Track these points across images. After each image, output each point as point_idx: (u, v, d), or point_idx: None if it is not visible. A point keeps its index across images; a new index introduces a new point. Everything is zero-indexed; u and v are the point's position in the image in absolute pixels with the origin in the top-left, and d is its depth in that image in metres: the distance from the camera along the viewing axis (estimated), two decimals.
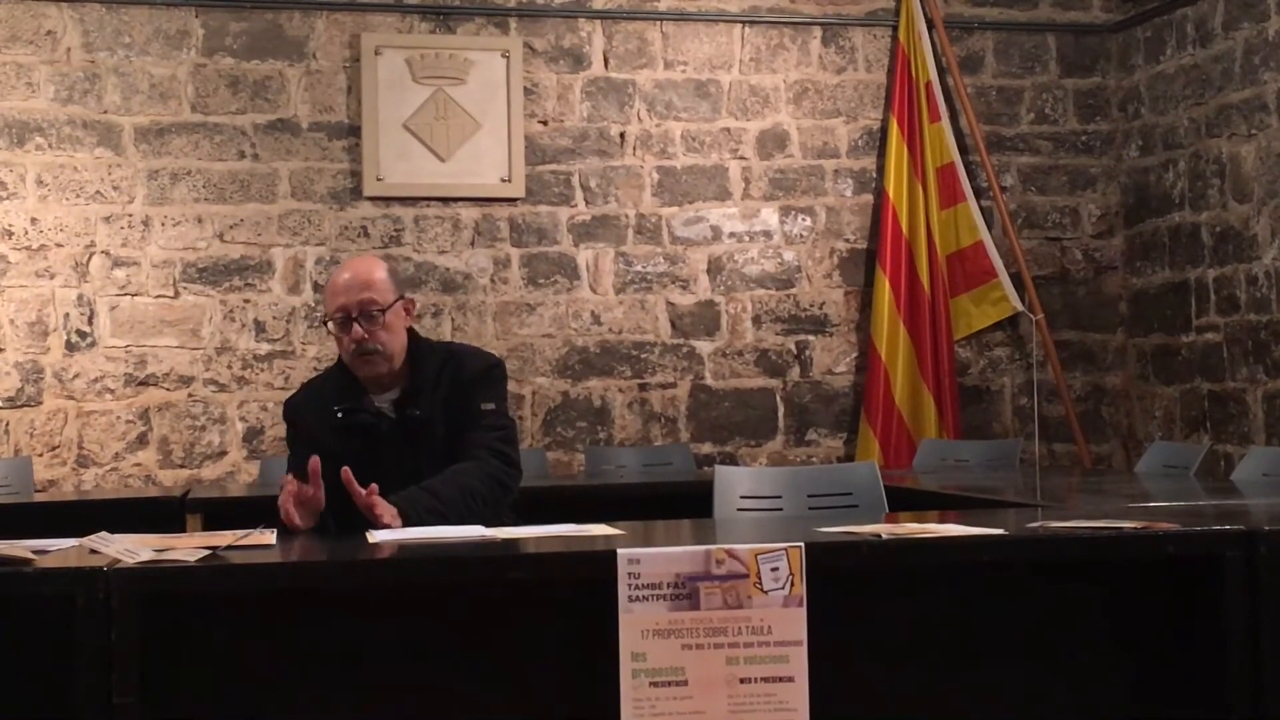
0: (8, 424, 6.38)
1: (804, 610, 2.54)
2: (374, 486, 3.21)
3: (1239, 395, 6.69)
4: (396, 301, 3.57)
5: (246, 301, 6.64)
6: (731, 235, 7.12)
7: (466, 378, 3.63)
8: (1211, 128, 6.84)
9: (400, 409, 3.58)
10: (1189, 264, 7.02)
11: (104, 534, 2.69)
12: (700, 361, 7.07)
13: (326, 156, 6.73)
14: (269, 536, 2.85)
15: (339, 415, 3.55)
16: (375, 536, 2.90)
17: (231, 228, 6.64)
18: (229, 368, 6.61)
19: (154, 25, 6.60)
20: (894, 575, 2.84)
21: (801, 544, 2.57)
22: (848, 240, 7.25)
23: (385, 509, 3.20)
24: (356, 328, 3.50)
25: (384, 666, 2.65)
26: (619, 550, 2.53)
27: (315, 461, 3.20)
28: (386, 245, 6.75)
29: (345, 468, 3.21)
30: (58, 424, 6.44)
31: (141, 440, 6.52)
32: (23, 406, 6.40)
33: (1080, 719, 2.89)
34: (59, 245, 6.47)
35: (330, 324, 3.58)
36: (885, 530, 2.85)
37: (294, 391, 3.91)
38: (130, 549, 2.53)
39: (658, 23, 7.10)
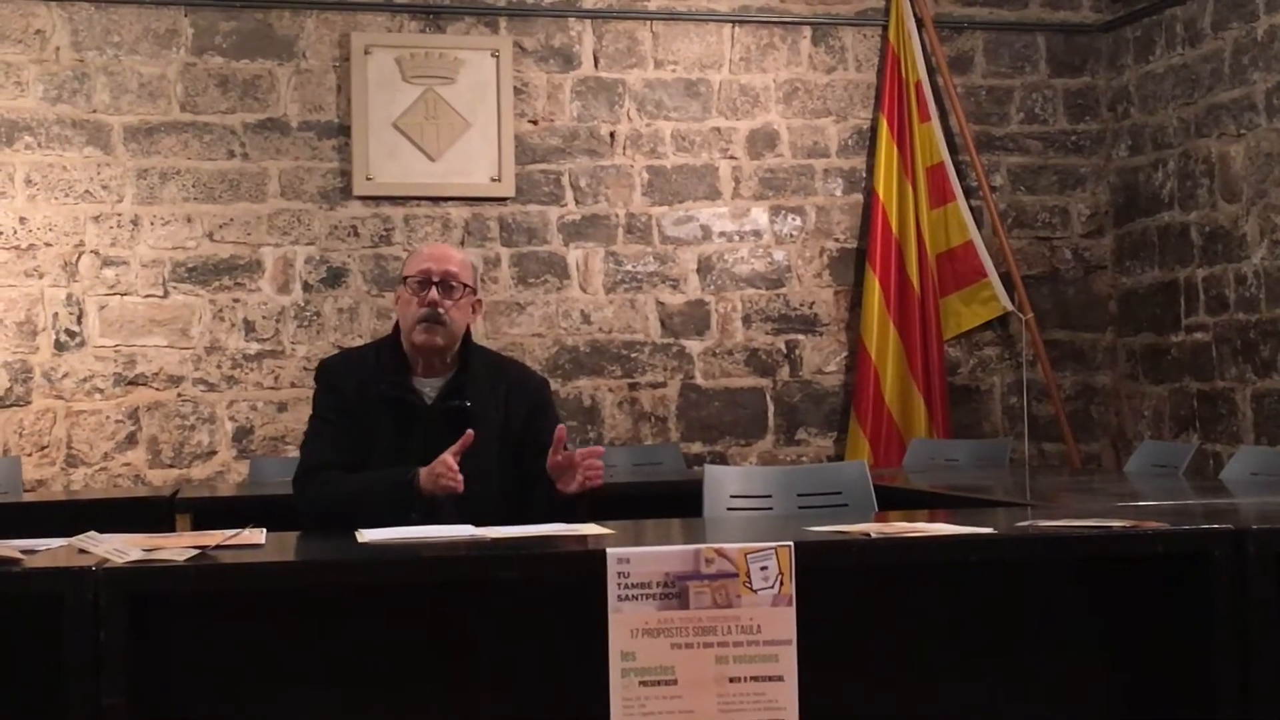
0: None
1: (793, 609, 2.54)
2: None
3: (1228, 394, 6.70)
4: (473, 290, 3.68)
5: (236, 301, 6.63)
6: (721, 235, 7.12)
7: (536, 396, 3.73)
8: (1201, 127, 6.85)
9: (445, 398, 3.60)
10: (1178, 264, 7.03)
11: (93, 534, 2.68)
12: (690, 361, 7.07)
13: (316, 156, 6.72)
14: (258, 536, 2.85)
15: (384, 387, 3.58)
16: (365, 536, 2.90)
17: (221, 227, 6.63)
18: (218, 367, 6.60)
19: (143, 24, 6.59)
20: (883, 574, 2.84)
21: (791, 543, 2.57)
22: (837, 240, 7.25)
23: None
24: (434, 291, 3.57)
25: (373, 666, 2.65)
26: (608, 550, 2.53)
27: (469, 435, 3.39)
28: (377, 245, 6.74)
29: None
30: (47, 424, 6.43)
31: (131, 440, 6.51)
32: (11, 406, 6.39)
33: (1068, 718, 2.89)
34: (48, 245, 6.45)
35: (406, 285, 3.63)
36: (875, 529, 2.85)
37: (331, 354, 3.92)
38: (119, 548, 2.53)
39: (648, 22, 7.10)
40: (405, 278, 3.66)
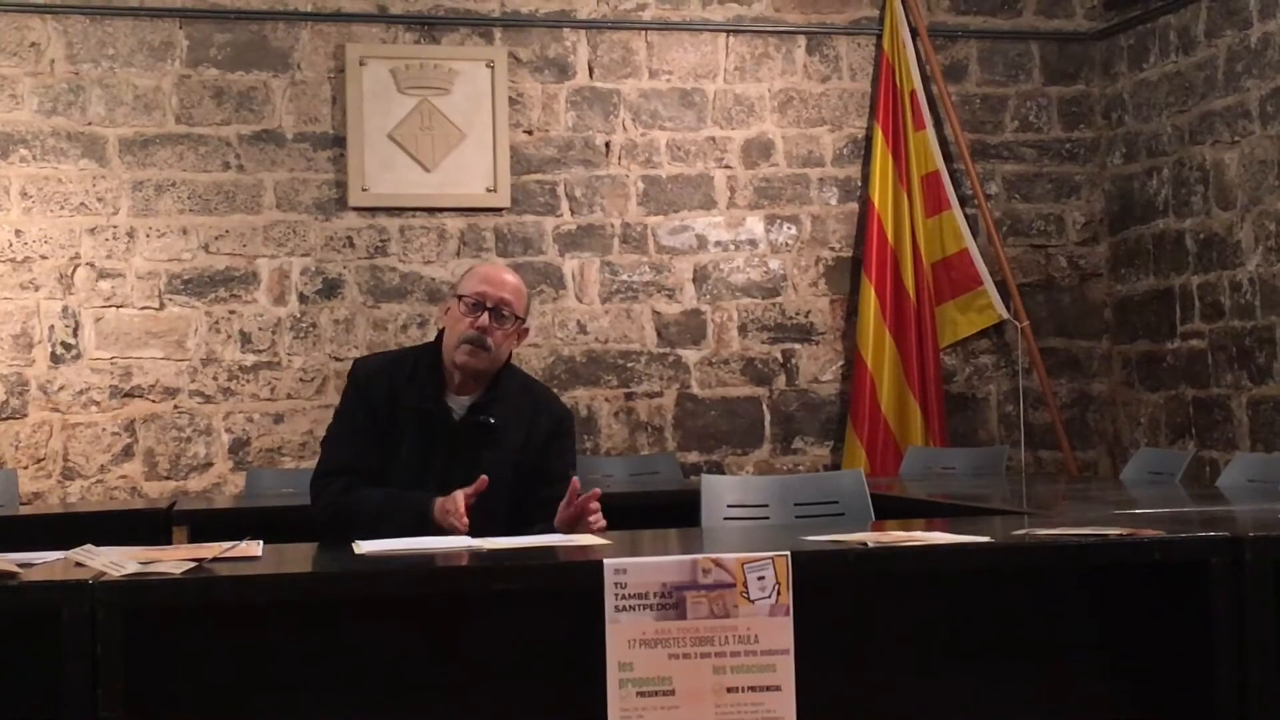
0: None
1: (791, 619, 2.54)
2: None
3: (1224, 401, 6.71)
4: (523, 323, 3.71)
5: (232, 313, 6.63)
6: (717, 244, 7.12)
7: (558, 425, 3.73)
8: (1195, 135, 6.86)
9: (472, 414, 3.62)
10: (1173, 271, 7.04)
11: (90, 547, 2.67)
12: (686, 370, 7.07)
13: (311, 167, 6.72)
14: (255, 548, 2.84)
15: (415, 399, 3.59)
16: (362, 548, 2.90)
17: (216, 239, 6.63)
18: (214, 379, 6.60)
19: (138, 37, 6.60)
20: (881, 583, 2.84)
21: (788, 553, 2.57)
22: (833, 249, 7.25)
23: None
24: (485, 316, 3.60)
25: (370, 678, 2.64)
26: (605, 560, 2.53)
27: (483, 481, 3.37)
28: (372, 256, 6.74)
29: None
30: (43, 436, 6.42)
31: (127, 452, 6.51)
32: (7, 419, 6.38)
33: None
34: (43, 257, 6.45)
35: (460, 302, 3.64)
36: (872, 538, 2.85)
37: (367, 355, 3.91)
38: (116, 562, 2.52)
39: (642, 32, 7.11)
40: (460, 296, 3.67)
